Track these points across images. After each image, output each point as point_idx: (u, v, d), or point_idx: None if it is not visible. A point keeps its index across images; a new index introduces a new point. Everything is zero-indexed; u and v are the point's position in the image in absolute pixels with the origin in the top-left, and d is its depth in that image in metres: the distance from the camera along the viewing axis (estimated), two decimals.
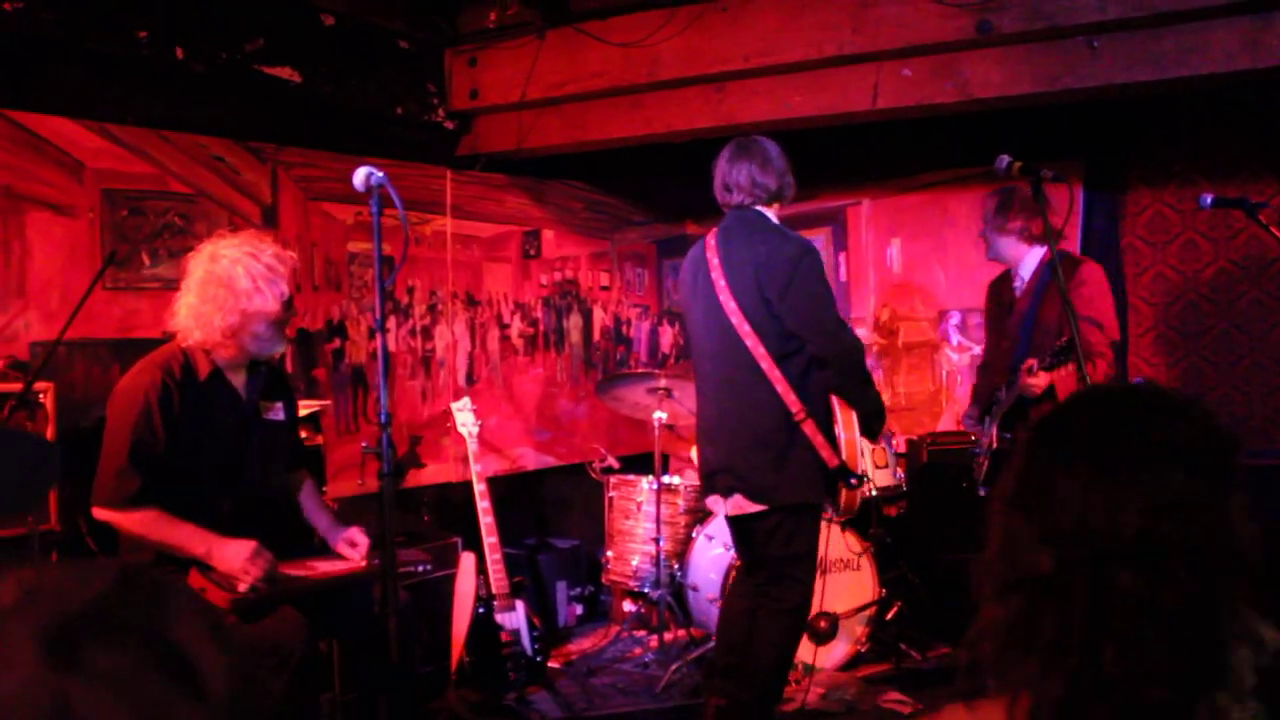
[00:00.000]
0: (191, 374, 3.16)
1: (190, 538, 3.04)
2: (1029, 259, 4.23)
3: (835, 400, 3.58)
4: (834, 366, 3.53)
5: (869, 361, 4.69)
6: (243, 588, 2.96)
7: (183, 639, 0.62)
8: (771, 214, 3.68)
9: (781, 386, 3.49)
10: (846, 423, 3.56)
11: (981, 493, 4.32)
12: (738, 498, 3.62)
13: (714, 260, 3.64)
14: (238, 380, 3.28)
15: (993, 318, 4.52)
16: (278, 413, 3.41)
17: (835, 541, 4.73)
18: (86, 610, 0.61)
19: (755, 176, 3.62)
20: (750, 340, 3.52)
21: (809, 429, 3.49)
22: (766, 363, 3.50)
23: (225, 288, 3.09)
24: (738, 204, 3.66)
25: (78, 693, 0.57)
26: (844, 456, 3.53)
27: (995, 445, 4.17)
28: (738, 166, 3.65)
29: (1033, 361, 3.80)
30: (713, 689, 3.76)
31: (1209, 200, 3.64)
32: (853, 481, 3.54)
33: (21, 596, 0.61)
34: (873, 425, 3.65)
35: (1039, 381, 3.82)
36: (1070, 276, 3.97)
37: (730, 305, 3.55)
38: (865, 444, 4.77)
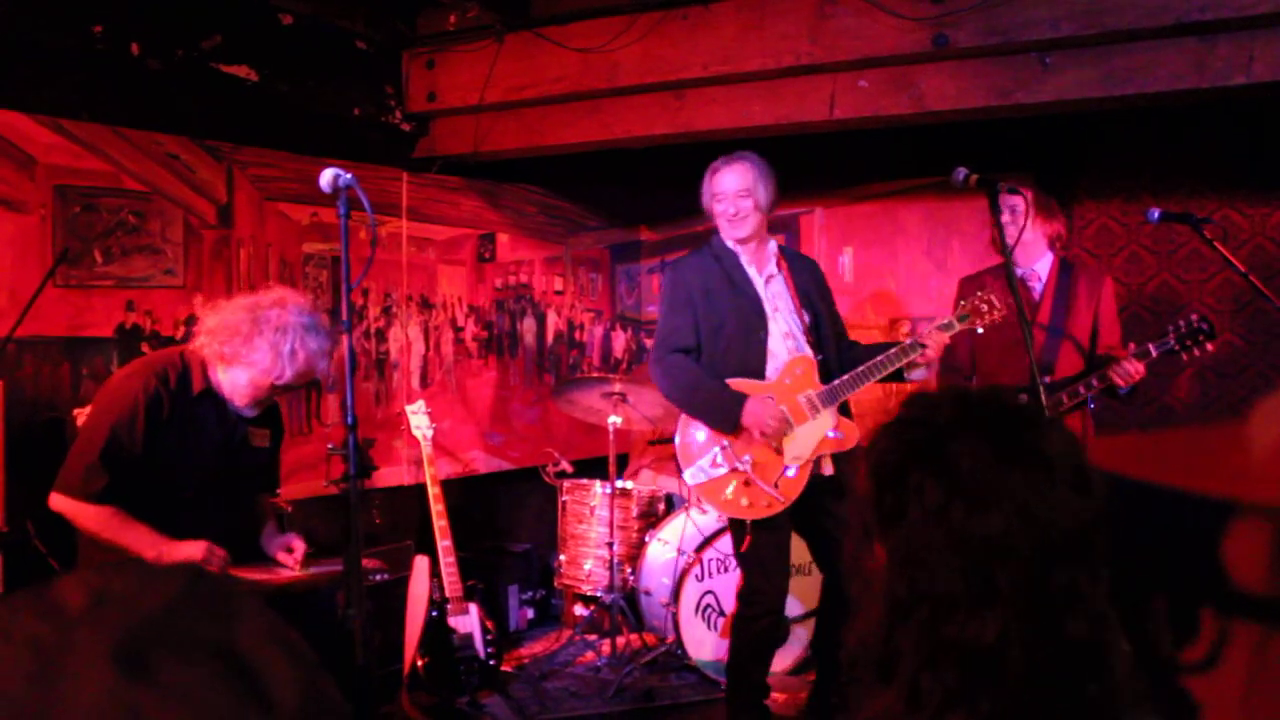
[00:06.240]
0: (185, 386, 3.13)
1: (142, 539, 3.02)
2: (1045, 261, 4.32)
3: None
4: None
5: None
6: None
7: (252, 650, 0.62)
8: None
9: None
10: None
11: None
12: None
13: None
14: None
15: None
16: (264, 440, 3.40)
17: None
18: (156, 618, 0.60)
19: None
20: None
21: None
22: None
23: (258, 325, 3.07)
24: None
25: (150, 705, 0.57)
26: None
27: None
28: None
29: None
30: None
31: (1156, 215, 3.73)
32: None
33: (91, 602, 0.60)
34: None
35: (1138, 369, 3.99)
36: (1101, 283, 4.31)
37: None
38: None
